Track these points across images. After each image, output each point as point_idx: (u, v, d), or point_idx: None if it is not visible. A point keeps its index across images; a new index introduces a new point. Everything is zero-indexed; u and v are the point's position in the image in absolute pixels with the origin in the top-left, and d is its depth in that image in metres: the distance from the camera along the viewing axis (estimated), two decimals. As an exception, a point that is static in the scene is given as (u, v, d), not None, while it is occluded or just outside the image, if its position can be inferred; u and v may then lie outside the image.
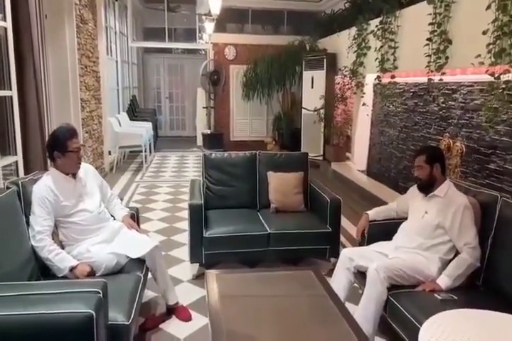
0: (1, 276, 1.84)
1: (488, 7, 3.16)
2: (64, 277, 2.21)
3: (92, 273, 2.24)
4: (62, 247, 2.35)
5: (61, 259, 2.21)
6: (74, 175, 2.47)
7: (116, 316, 1.88)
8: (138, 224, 2.86)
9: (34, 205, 2.25)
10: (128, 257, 2.40)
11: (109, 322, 1.79)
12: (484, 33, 3.19)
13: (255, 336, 1.81)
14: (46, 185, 2.31)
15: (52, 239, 2.28)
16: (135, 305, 2.05)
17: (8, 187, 2.24)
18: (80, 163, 2.47)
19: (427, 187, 2.45)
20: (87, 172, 2.60)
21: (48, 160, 4.07)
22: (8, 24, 3.57)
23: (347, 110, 7.04)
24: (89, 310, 1.54)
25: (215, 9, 5.92)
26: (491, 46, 3.15)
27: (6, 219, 2.07)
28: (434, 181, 2.42)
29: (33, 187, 2.31)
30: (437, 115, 4.49)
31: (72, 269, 2.21)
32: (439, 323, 1.57)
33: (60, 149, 2.35)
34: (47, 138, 4.30)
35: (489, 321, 1.62)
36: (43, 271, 2.23)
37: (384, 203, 4.76)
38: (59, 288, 1.70)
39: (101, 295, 1.68)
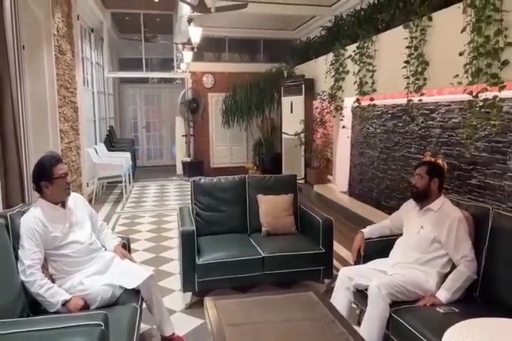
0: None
1: (464, 29, 3.32)
2: (56, 312, 2.10)
3: (85, 307, 2.14)
4: (53, 281, 2.25)
5: (53, 294, 2.11)
6: (63, 205, 2.40)
7: (117, 350, 1.79)
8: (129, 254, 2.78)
9: (23, 238, 2.16)
10: (122, 288, 2.31)
11: (111, 357, 1.71)
12: (461, 54, 3.33)
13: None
14: (35, 217, 2.23)
15: (42, 272, 2.19)
16: (135, 338, 1.96)
17: (-5, 221, 2.15)
18: (68, 189, 2.40)
19: (421, 197, 2.49)
20: (76, 202, 2.54)
21: (30, 192, 3.99)
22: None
23: (326, 133, 7.16)
24: (93, 345, 1.46)
25: (196, 38, 6.02)
26: (467, 66, 3.29)
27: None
28: (430, 194, 2.46)
29: (20, 219, 2.22)
30: (417, 134, 4.60)
31: (65, 303, 2.11)
32: (461, 333, 1.56)
33: (46, 177, 2.29)
34: (25, 168, 4.22)
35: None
36: (33, 306, 2.12)
37: (369, 222, 4.79)
38: (59, 323, 1.63)
39: (103, 327, 1.61)
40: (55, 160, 2.33)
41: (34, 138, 4.67)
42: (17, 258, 2.13)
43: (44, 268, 2.24)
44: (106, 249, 2.58)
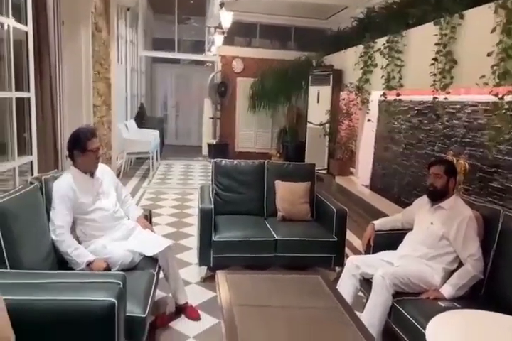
0: (26, 265, 1.94)
1: (493, 30, 3.31)
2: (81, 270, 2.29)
3: (107, 269, 2.32)
4: (79, 243, 2.43)
5: (79, 254, 2.30)
6: (92, 174, 2.57)
7: (133, 309, 1.96)
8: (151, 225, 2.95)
9: (55, 201, 2.34)
10: (142, 255, 2.48)
11: (127, 314, 1.87)
12: (489, 54, 3.32)
13: (267, 337, 1.87)
14: (67, 183, 2.41)
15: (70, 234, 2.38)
16: (150, 300, 2.13)
17: (31, 183, 2.34)
18: (97, 162, 2.58)
19: (438, 196, 2.53)
20: (104, 173, 2.71)
21: (64, 161, 4.21)
22: (29, 28, 3.69)
23: (352, 125, 7.17)
24: (112, 299, 1.62)
25: (226, 23, 6.09)
26: (495, 67, 3.27)
27: (31, 212, 2.16)
28: (447, 193, 2.51)
29: (53, 183, 2.41)
30: (441, 133, 4.61)
31: (89, 264, 2.29)
32: (445, 323, 1.65)
33: (80, 148, 2.46)
34: (59, 139, 4.44)
35: (489, 321, 1.70)
36: (61, 264, 2.31)
37: (386, 216, 4.88)
38: (82, 278, 1.80)
39: (121, 286, 1.76)
40: (91, 134, 2.50)
41: (69, 111, 4.88)
42: (49, 218, 2.32)
43: (72, 230, 2.42)
44: (129, 219, 2.75)
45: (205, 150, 9.70)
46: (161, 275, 2.62)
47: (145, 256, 2.49)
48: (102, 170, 2.69)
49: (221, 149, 9.24)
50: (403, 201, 5.31)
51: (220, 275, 2.34)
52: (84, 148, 2.45)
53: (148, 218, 2.92)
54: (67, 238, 2.30)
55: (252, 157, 9.16)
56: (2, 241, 1.86)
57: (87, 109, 5.36)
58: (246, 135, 9.63)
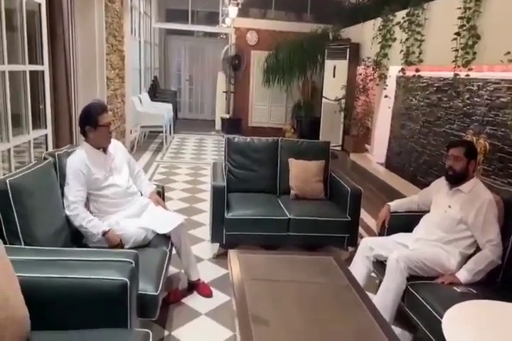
0: (40, 240, 1.96)
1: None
2: (96, 244, 2.33)
3: (121, 245, 2.34)
4: (93, 219, 2.45)
5: (94, 225, 2.33)
6: (104, 150, 2.56)
7: (146, 287, 1.97)
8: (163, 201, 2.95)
9: (69, 177, 2.34)
10: (155, 232, 2.49)
11: (139, 292, 1.88)
12: (515, 29, 3.17)
13: (278, 316, 1.88)
14: (80, 158, 2.41)
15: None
16: (162, 278, 2.15)
17: (45, 158, 2.33)
18: (110, 137, 2.56)
19: (457, 180, 2.45)
20: (117, 148, 2.69)
21: (78, 135, 4.21)
22: (42, 1, 3.61)
23: (368, 101, 7.02)
24: (124, 278, 1.62)
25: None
26: (521, 43, 3.14)
27: (45, 188, 2.17)
28: (467, 175, 2.43)
29: (67, 159, 2.40)
30: (461, 111, 4.47)
31: (104, 234, 2.32)
32: (462, 314, 1.63)
33: (91, 124, 2.44)
34: (74, 113, 4.43)
35: (509, 312, 1.67)
36: (75, 240, 2.34)
37: (402, 196, 4.81)
38: (95, 256, 1.80)
39: (133, 265, 1.77)
40: (101, 108, 2.47)
41: (83, 84, 4.85)
42: (63, 194, 2.32)
43: (86, 206, 2.43)
44: (142, 195, 2.74)
45: (218, 125, 9.63)
46: (174, 251, 2.63)
47: (158, 233, 2.49)
48: (115, 145, 2.68)
49: (234, 124, 9.17)
50: (419, 180, 5.23)
51: (232, 254, 2.35)
52: (95, 123, 2.42)
53: (161, 194, 2.91)
54: (81, 211, 2.32)
55: (266, 132, 9.16)
56: (16, 217, 1.87)
57: (101, 82, 5.31)
58: (260, 109, 9.50)
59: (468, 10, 3.89)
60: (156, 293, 1.97)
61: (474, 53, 3.83)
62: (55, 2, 3.90)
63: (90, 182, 2.42)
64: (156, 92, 9.62)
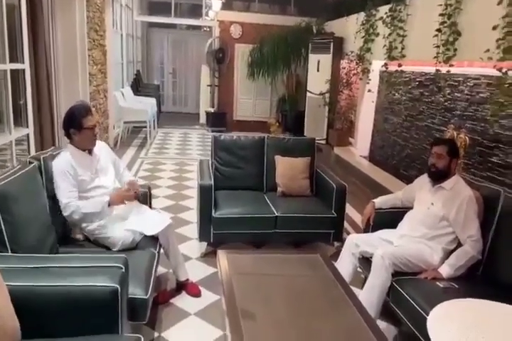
0: (27, 247, 1.95)
1: (500, 2, 3.19)
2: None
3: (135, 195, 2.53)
4: (79, 223, 2.44)
5: (93, 206, 2.38)
6: (90, 152, 2.55)
7: (135, 290, 1.99)
8: (150, 202, 2.95)
9: (58, 180, 2.34)
10: (142, 234, 2.50)
11: (129, 296, 1.89)
12: (494, 28, 3.22)
13: (267, 313, 1.93)
14: (66, 160, 2.40)
15: None
16: (151, 281, 2.16)
17: (30, 162, 2.32)
18: (95, 140, 2.55)
19: (439, 177, 2.52)
20: (102, 149, 2.68)
21: (61, 134, 4.16)
22: (22, -3, 3.54)
23: (351, 95, 7.07)
24: (115, 285, 1.63)
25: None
26: (500, 42, 3.18)
27: (30, 193, 2.15)
28: (449, 173, 2.50)
29: (52, 162, 2.39)
30: (442, 106, 4.54)
31: (109, 204, 2.42)
32: (447, 313, 1.68)
33: (76, 126, 2.42)
34: (56, 111, 4.38)
35: (493, 311, 1.73)
36: (62, 242, 2.36)
37: (385, 190, 4.89)
38: (84, 262, 1.80)
39: (123, 270, 1.78)
40: (85, 111, 2.45)
41: (64, 82, 4.79)
42: (49, 197, 2.31)
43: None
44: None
45: (202, 119, 9.59)
46: (162, 251, 2.65)
47: (146, 235, 2.50)
48: (100, 146, 2.67)
49: (219, 117, 9.14)
50: (402, 173, 5.32)
51: (221, 254, 2.37)
52: (80, 126, 2.40)
53: (147, 195, 2.91)
54: (75, 205, 2.33)
55: (251, 126, 9.16)
56: (3, 224, 1.85)
57: (83, 79, 5.24)
58: (244, 103, 9.48)
59: (449, 7, 3.93)
60: (145, 297, 1.99)
61: (455, 50, 3.89)
62: (35, 1, 3.83)
63: (77, 184, 2.41)
64: (139, 86, 9.52)
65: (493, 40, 3.23)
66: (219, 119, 9.10)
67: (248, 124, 9.23)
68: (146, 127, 7.23)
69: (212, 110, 9.23)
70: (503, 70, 3.19)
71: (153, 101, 8.05)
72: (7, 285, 1.48)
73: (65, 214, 2.33)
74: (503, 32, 3.17)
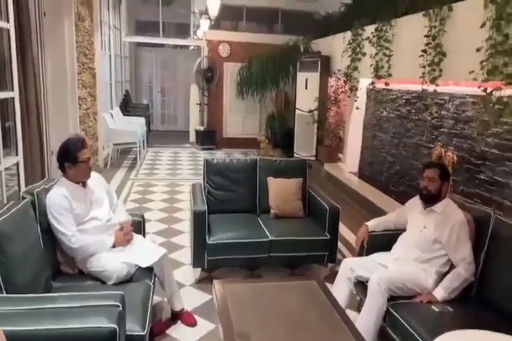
0: (22, 285, 1.94)
1: (483, 25, 3.27)
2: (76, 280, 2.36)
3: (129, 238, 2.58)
4: (73, 256, 2.43)
5: (99, 245, 2.45)
6: (84, 184, 2.54)
7: (132, 326, 1.96)
8: (143, 231, 2.94)
9: (56, 215, 2.33)
10: (137, 265, 2.48)
11: (126, 333, 1.87)
12: (478, 50, 3.29)
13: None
14: (60, 195, 2.38)
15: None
16: (148, 315, 2.14)
17: (23, 197, 2.30)
18: (90, 172, 2.55)
19: (431, 200, 2.56)
20: (95, 180, 2.67)
21: (50, 163, 4.14)
22: (11, 25, 3.56)
23: (340, 112, 7.16)
24: (113, 325, 1.61)
25: (214, 11, 5.94)
26: (484, 63, 3.26)
27: (23, 230, 2.13)
28: (439, 196, 2.54)
29: (46, 198, 2.37)
30: (430, 123, 4.63)
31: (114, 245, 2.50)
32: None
33: (70, 160, 2.42)
34: (45, 139, 4.36)
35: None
36: (52, 274, 2.35)
37: (375, 206, 4.94)
38: (81, 301, 1.77)
39: (121, 308, 1.76)
40: (80, 144, 2.46)
41: (54, 108, 4.77)
42: (42, 231, 2.29)
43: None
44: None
45: (192, 137, 9.62)
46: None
47: (140, 266, 2.49)
48: (94, 178, 2.66)
49: (209, 135, 9.19)
50: (391, 190, 5.37)
51: (217, 284, 2.36)
52: (75, 159, 2.41)
53: (141, 224, 2.90)
54: (82, 241, 2.37)
55: (241, 143, 9.21)
56: (-3, 264, 1.84)
57: (73, 104, 5.24)
58: (234, 121, 9.54)
59: (433, 28, 4.02)
60: (143, 333, 1.97)
61: (440, 70, 3.97)
62: (23, 24, 3.83)
63: (73, 218, 2.41)
64: (127, 106, 9.55)
65: (477, 62, 3.30)
66: (209, 137, 9.14)
67: (238, 141, 9.29)
68: (136, 147, 7.23)
69: (201, 128, 9.27)
70: (488, 90, 3.26)
71: (142, 121, 8.07)
72: (3, 330, 1.46)
73: (72, 246, 2.35)
74: (486, 54, 3.25)
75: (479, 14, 3.32)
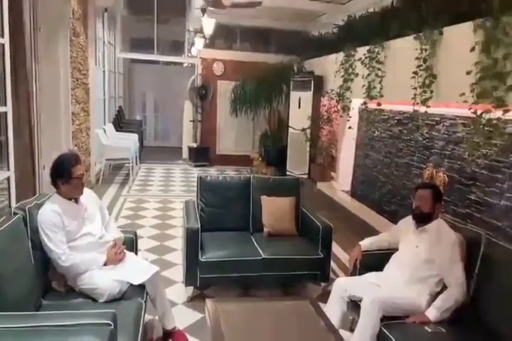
0: (13, 302, 1.91)
1: (473, 49, 3.36)
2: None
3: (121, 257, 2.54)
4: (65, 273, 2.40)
5: (90, 263, 2.42)
6: (76, 200, 2.53)
7: (124, 346, 1.94)
8: (136, 248, 2.92)
9: (47, 232, 2.31)
10: (129, 283, 2.46)
11: (118, 353, 1.85)
12: (468, 73, 3.37)
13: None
14: (53, 211, 2.36)
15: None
16: (140, 334, 2.12)
17: (15, 213, 2.28)
18: (82, 188, 2.54)
19: (423, 220, 2.59)
20: (88, 197, 2.66)
21: (42, 177, 4.11)
22: (6, 40, 3.57)
23: (332, 131, 7.24)
24: (105, 344, 1.60)
25: (208, 30, 6.03)
26: (474, 86, 3.34)
27: (15, 246, 2.12)
28: (432, 216, 2.57)
29: (38, 214, 2.35)
30: (421, 144, 4.69)
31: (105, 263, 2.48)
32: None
33: (64, 176, 2.41)
34: (37, 154, 4.33)
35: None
36: (42, 292, 2.32)
37: (367, 225, 4.95)
38: (72, 319, 1.75)
39: (112, 326, 1.74)
40: (75, 160, 2.46)
41: (47, 122, 4.77)
42: (33, 248, 2.27)
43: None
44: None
45: (185, 153, 9.63)
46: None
47: (132, 284, 2.46)
48: (86, 194, 2.65)
49: (202, 152, 9.22)
50: (384, 209, 5.40)
51: (210, 303, 2.34)
52: (69, 176, 2.40)
53: (133, 241, 2.87)
54: (73, 260, 2.35)
55: (234, 160, 9.24)
56: (-13, 280, 1.82)
57: (66, 119, 5.25)
58: (227, 138, 9.59)
59: (424, 51, 4.11)
60: (134, 353, 1.94)
61: (431, 92, 4.04)
62: (17, 39, 3.86)
63: (65, 235, 2.39)
64: (121, 122, 9.57)
65: (467, 84, 3.37)
66: (202, 154, 9.17)
67: (231, 159, 9.31)
68: (128, 163, 7.22)
69: (195, 145, 9.30)
70: (478, 113, 3.33)
71: (135, 137, 8.08)
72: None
73: (63, 264, 2.32)
74: (476, 77, 3.32)
75: (469, 38, 3.41)
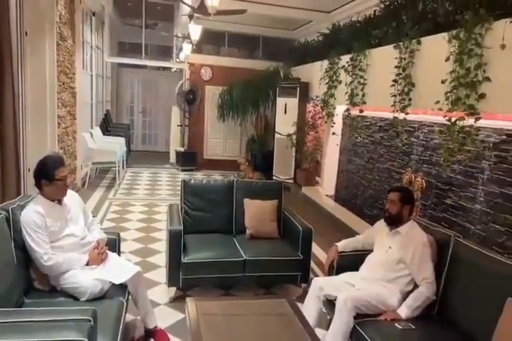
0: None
1: (447, 59, 3.52)
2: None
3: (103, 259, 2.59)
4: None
5: (72, 263, 2.46)
6: (59, 202, 2.58)
7: (104, 343, 1.99)
8: (118, 249, 2.97)
9: (30, 232, 2.36)
10: (111, 282, 2.51)
11: (97, 350, 1.91)
12: (443, 81, 3.52)
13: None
14: (36, 212, 2.41)
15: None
16: (120, 332, 2.17)
17: (-3, 213, 2.33)
18: (66, 190, 2.59)
19: (393, 222, 2.71)
20: (71, 198, 2.71)
21: (27, 181, 4.13)
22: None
23: (317, 137, 7.36)
24: (84, 339, 1.65)
25: (195, 36, 6.13)
26: (448, 94, 3.49)
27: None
28: (401, 219, 2.69)
29: (21, 215, 2.40)
30: (401, 149, 4.83)
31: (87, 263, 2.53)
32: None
33: (47, 178, 2.46)
34: (22, 157, 4.36)
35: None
36: (25, 291, 2.36)
37: (349, 229, 5.06)
38: (52, 315, 1.81)
39: (92, 322, 1.80)
40: (59, 162, 2.52)
41: (33, 125, 4.79)
42: (15, 248, 2.31)
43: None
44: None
45: (172, 158, 9.68)
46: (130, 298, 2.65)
47: (114, 283, 2.52)
48: (70, 195, 2.70)
49: (189, 157, 9.27)
50: (366, 213, 5.52)
51: (190, 301, 2.41)
52: (52, 177, 2.45)
53: (116, 242, 2.93)
54: (55, 259, 2.39)
55: (221, 165, 9.32)
56: (-30, 278, 1.86)
57: (52, 122, 5.28)
58: (215, 143, 9.67)
59: (403, 60, 4.27)
60: (114, 350, 2.00)
61: (410, 99, 4.19)
62: (3, 42, 3.89)
63: (47, 235, 2.43)
64: (108, 126, 9.58)
65: (442, 93, 3.52)
66: (189, 158, 9.22)
67: (218, 163, 9.39)
68: (115, 166, 7.24)
69: (182, 149, 9.35)
70: (452, 120, 3.46)
71: (122, 141, 8.10)
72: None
73: (45, 264, 2.36)
74: (450, 86, 3.47)
75: (444, 48, 3.56)
